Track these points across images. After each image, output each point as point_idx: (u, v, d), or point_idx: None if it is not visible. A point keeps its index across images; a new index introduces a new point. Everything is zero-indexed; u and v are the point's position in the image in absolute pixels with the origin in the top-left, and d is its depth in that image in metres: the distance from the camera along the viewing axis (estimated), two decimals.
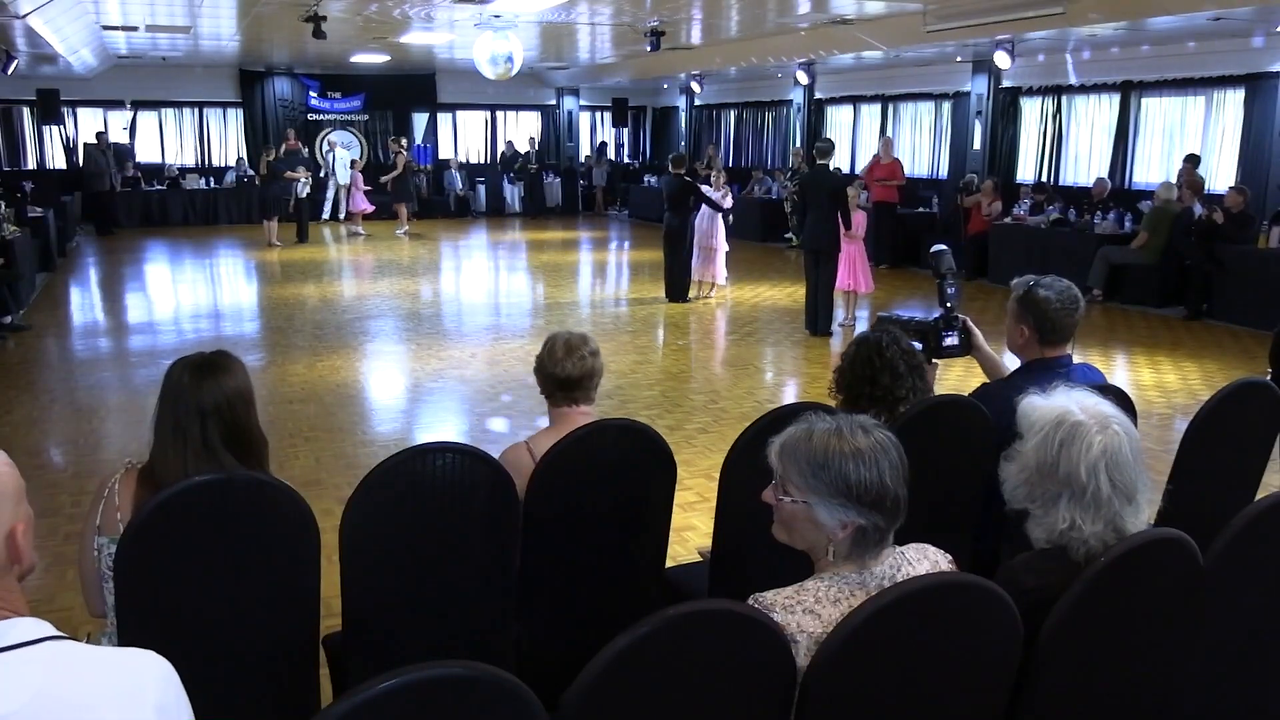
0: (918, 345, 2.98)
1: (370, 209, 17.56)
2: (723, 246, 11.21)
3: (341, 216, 18.78)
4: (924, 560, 1.78)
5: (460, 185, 20.84)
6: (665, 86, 21.23)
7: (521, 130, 22.45)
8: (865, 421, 1.76)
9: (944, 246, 3.44)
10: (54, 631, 1.24)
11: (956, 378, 6.50)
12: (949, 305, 3.25)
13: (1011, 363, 3.23)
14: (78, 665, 1.22)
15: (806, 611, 1.65)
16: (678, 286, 11.07)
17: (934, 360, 3.19)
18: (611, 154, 22.88)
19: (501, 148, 21.37)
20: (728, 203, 11.45)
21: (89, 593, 2.32)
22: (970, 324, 3.28)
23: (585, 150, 23.00)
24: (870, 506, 1.68)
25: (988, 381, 3.20)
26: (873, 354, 2.76)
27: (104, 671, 1.24)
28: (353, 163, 18.86)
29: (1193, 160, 11.33)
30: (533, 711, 1.32)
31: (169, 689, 1.27)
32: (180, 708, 1.28)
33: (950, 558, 1.84)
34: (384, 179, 17.63)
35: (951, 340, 3.22)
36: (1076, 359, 3.00)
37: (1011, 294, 2.95)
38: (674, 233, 10.93)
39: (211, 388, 2.26)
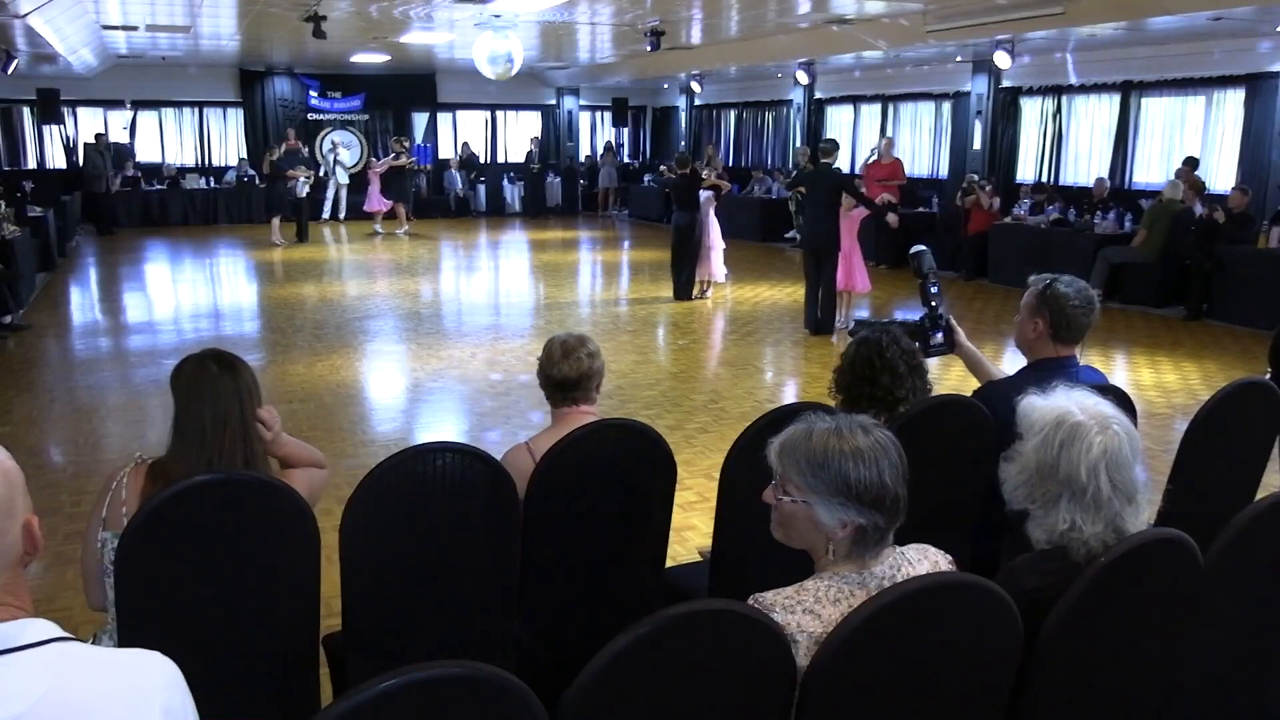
0: None
1: (386, 208, 17.50)
2: (718, 244, 11.22)
3: (341, 216, 18.79)
4: (924, 560, 1.78)
5: (460, 185, 20.84)
6: (665, 86, 21.23)
7: (522, 130, 22.45)
8: (865, 421, 1.76)
9: (924, 247, 3.45)
10: (61, 633, 1.24)
11: (957, 378, 6.50)
12: (933, 304, 3.26)
13: (1009, 364, 3.23)
14: (85, 667, 1.23)
15: (806, 611, 1.66)
16: (684, 284, 11.09)
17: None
18: None
19: (460, 151, 21.35)
20: (725, 184, 11.73)
21: (89, 586, 2.32)
22: (953, 321, 3.29)
23: (585, 150, 22.98)
24: (870, 506, 1.68)
25: (992, 380, 3.20)
26: (873, 354, 2.76)
27: (111, 673, 1.24)
28: (368, 162, 18.81)
29: (1190, 163, 11.29)
30: (533, 711, 1.32)
31: (175, 691, 1.27)
32: (186, 709, 1.29)
33: (951, 558, 1.84)
34: (381, 166, 17.55)
35: (937, 339, 3.24)
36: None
37: (1029, 289, 2.96)
38: (683, 230, 10.95)
39: (243, 374, 2.33)
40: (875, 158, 14.65)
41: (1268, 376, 3.43)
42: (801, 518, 1.73)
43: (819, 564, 1.75)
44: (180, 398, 2.30)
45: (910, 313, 4.04)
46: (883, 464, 1.69)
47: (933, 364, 3.15)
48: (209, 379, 2.28)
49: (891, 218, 10.03)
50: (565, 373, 2.78)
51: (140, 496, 2.24)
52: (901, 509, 1.72)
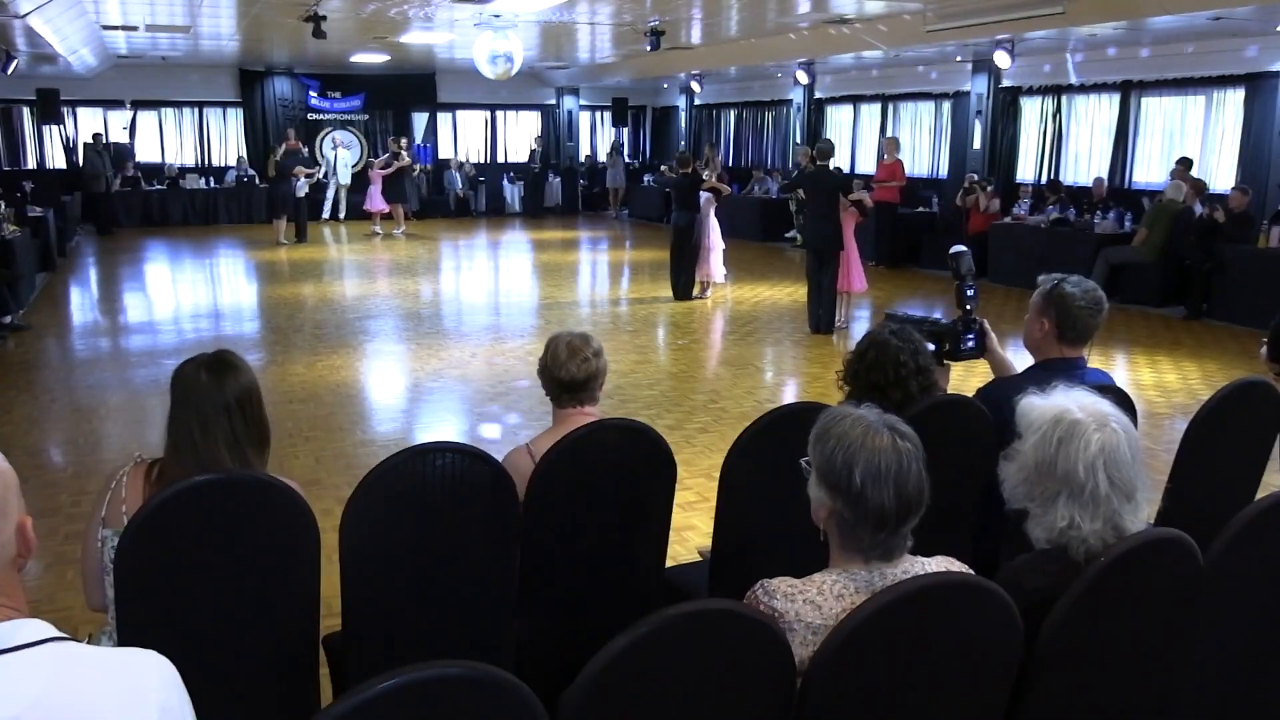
0: (931, 346, 2.96)
1: (386, 208, 17.48)
2: (718, 245, 11.23)
3: (341, 216, 18.78)
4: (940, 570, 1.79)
5: (460, 185, 20.83)
6: (665, 86, 21.22)
7: (522, 130, 22.44)
8: (900, 428, 1.76)
9: (964, 248, 3.40)
10: (57, 633, 1.24)
11: (957, 378, 6.49)
12: (968, 308, 3.23)
13: (1019, 364, 3.22)
14: (81, 667, 1.22)
15: (807, 602, 1.68)
16: (684, 284, 11.08)
17: (945, 362, 3.18)
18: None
19: (463, 156, 21.40)
20: (725, 188, 11.80)
21: (90, 585, 2.31)
22: (986, 325, 3.27)
23: (585, 150, 22.95)
24: (851, 503, 1.69)
25: (997, 378, 3.18)
26: (887, 363, 2.72)
27: (107, 673, 1.24)
28: (370, 163, 18.82)
29: (1184, 163, 11.25)
30: (533, 712, 1.32)
31: (171, 690, 1.27)
32: (183, 709, 1.28)
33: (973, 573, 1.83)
34: (386, 168, 17.52)
35: (969, 342, 3.21)
36: None
37: (1037, 289, 2.96)
38: (682, 230, 10.96)
39: (231, 384, 2.29)
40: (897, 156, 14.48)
41: (1263, 347, 3.43)
42: (810, 486, 1.77)
43: (833, 558, 1.77)
44: (171, 403, 2.30)
45: (918, 311, 4.03)
46: (881, 471, 1.69)
47: None
48: (197, 388, 2.27)
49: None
50: (574, 374, 2.74)
51: (140, 495, 2.24)
52: (888, 518, 1.70)
